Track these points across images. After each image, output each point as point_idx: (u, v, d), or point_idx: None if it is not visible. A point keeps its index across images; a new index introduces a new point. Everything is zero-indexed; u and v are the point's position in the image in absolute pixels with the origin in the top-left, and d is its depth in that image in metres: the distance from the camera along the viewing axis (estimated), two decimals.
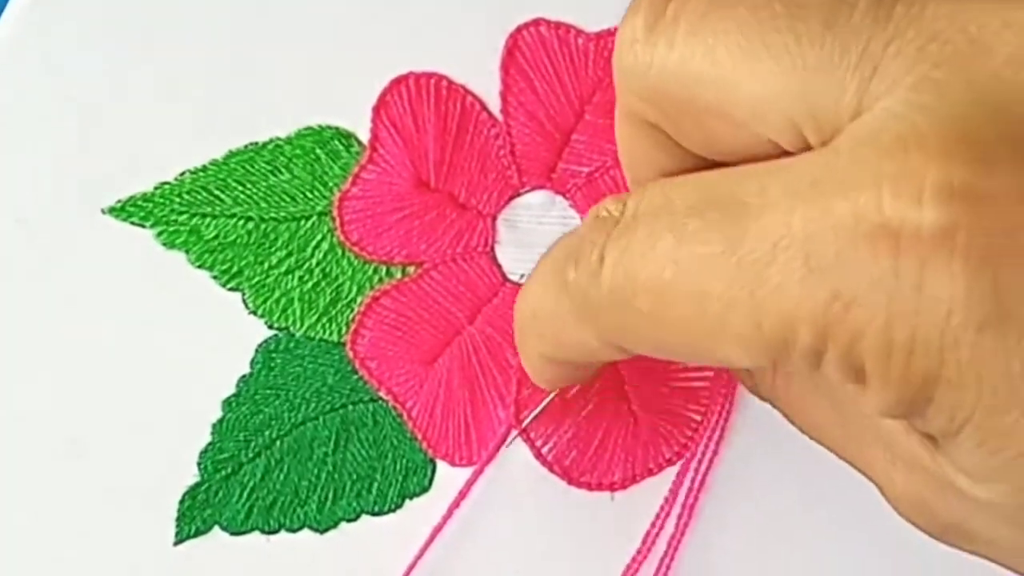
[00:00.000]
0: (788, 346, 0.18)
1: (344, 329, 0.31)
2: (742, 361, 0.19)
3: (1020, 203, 0.16)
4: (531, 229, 0.31)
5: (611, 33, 0.31)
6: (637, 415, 0.30)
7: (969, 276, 0.16)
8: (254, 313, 0.31)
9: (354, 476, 0.30)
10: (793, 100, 0.18)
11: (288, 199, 0.31)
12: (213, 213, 0.31)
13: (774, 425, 0.29)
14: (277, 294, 0.31)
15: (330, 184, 0.31)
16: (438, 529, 0.29)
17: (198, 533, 0.31)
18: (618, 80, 0.21)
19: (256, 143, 0.32)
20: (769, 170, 0.19)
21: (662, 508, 0.30)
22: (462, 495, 0.30)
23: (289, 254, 0.31)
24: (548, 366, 0.25)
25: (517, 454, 0.30)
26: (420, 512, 0.30)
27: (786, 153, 0.19)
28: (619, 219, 0.20)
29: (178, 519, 0.31)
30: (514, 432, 0.30)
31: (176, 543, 0.31)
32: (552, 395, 0.29)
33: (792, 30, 0.18)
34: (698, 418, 0.30)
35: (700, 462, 0.30)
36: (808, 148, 0.19)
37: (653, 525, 0.30)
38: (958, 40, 0.17)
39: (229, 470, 0.31)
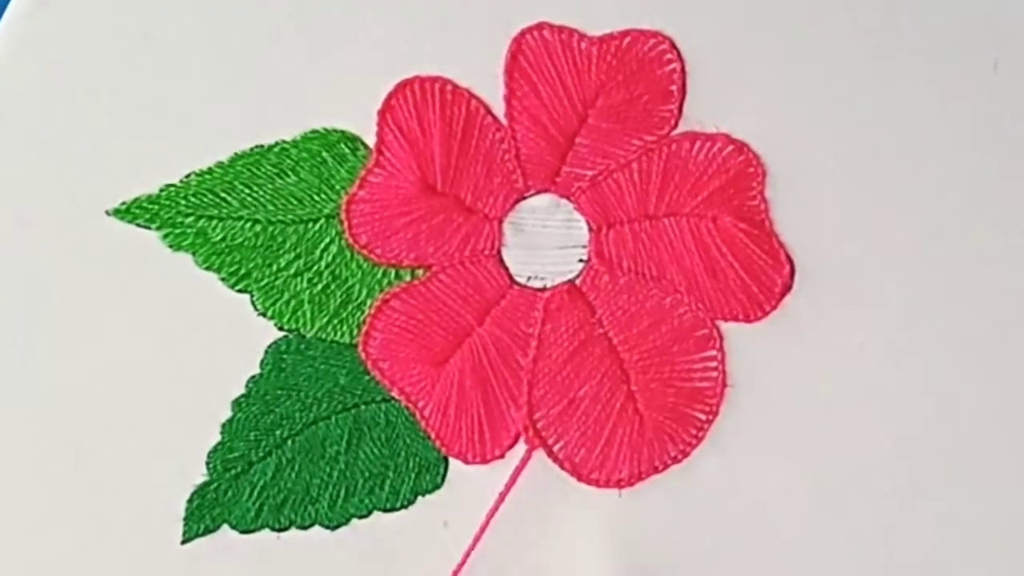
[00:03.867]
0: None
1: (355, 331, 0.31)
2: None
3: None
4: (537, 232, 0.32)
5: (614, 37, 0.32)
6: (643, 414, 0.31)
7: None
8: (263, 315, 0.31)
9: (366, 474, 0.31)
10: None
11: (295, 202, 0.32)
12: (219, 215, 0.32)
13: (772, 424, 0.31)
14: (287, 296, 0.31)
15: (337, 187, 0.32)
16: (472, 546, 0.30)
17: (206, 532, 0.31)
18: None
19: (262, 146, 0.32)
20: None
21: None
22: (490, 516, 0.30)
23: (297, 257, 0.32)
24: None
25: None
26: (432, 509, 0.31)
27: None
28: None
29: (186, 518, 0.31)
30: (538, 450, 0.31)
31: (184, 542, 0.31)
32: None
33: None
34: (702, 417, 0.31)
35: None
36: None
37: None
38: None
39: (239, 469, 0.31)
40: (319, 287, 0.31)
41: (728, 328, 0.31)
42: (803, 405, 0.31)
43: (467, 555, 0.30)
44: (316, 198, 0.32)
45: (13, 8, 0.32)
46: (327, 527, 0.31)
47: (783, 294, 0.31)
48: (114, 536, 0.31)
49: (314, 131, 0.32)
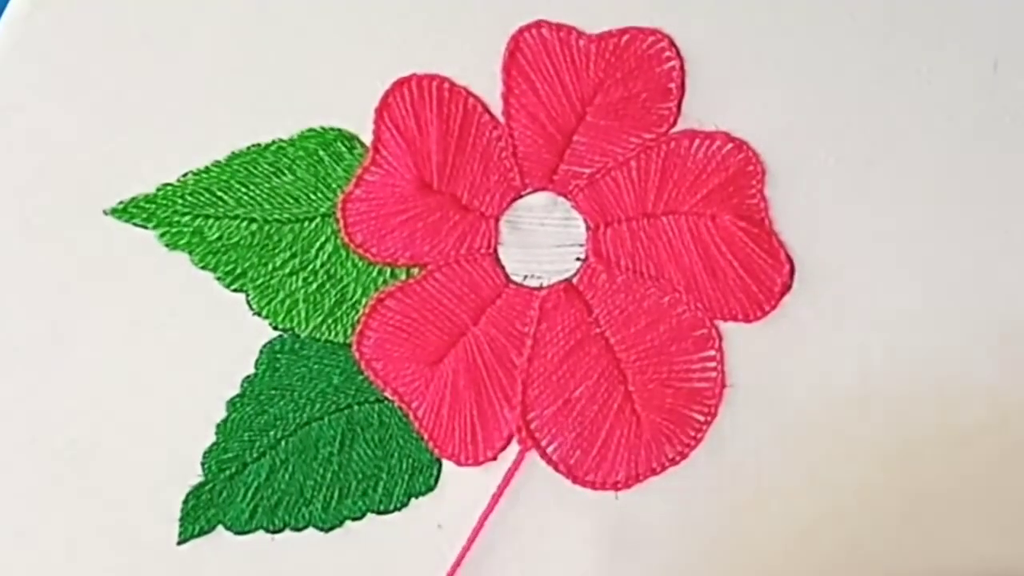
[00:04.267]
0: None
1: (349, 330, 0.31)
2: None
3: None
4: (534, 230, 0.31)
5: (612, 35, 0.32)
6: (640, 415, 0.31)
7: None
8: (258, 314, 0.31)
9: (360, 475, 0.31)
10: None
11: (291, 201, 0.32)
12: (216, 214, 0.32)
13: (772, 424, 0.30)
14: (281, 295, 0.31)
15: (333, 186, 0.32)
16: (466, 548, 0.30)
17: (202, 532, 0.31)
18: None
19: (259, 144, 0.32)
20: None
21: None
22: (483, 519, 0.30)
23: (293, 255, 0.31)
24: None
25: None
26: (425, 511, 0.31)
27: None
28: None
29: (182, 518, 0.31)
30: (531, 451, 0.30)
31: (180, 542, 0.31)
32: None
33: None
34: (700, 418, 0.30)
35: None
36: None
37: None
38: None
39: (233, 470, 0.31)
40: (314, 286, 0.31)
41: (727, 328, 0.31)
42: (802, 405, 0.30)
43: (460, 558, 0.30)
44: (312, 196, 0.32)
45: (12, 8, 0.32)
46: (321, 529, 0.31)
47: (782, 294, 0.31)
48: (110, 536, 0.31)
49: (311, 130, 0.32)
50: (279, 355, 0.31)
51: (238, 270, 0.31)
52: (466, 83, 0.32)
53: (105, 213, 0.32)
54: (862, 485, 0.30)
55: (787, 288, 0.31)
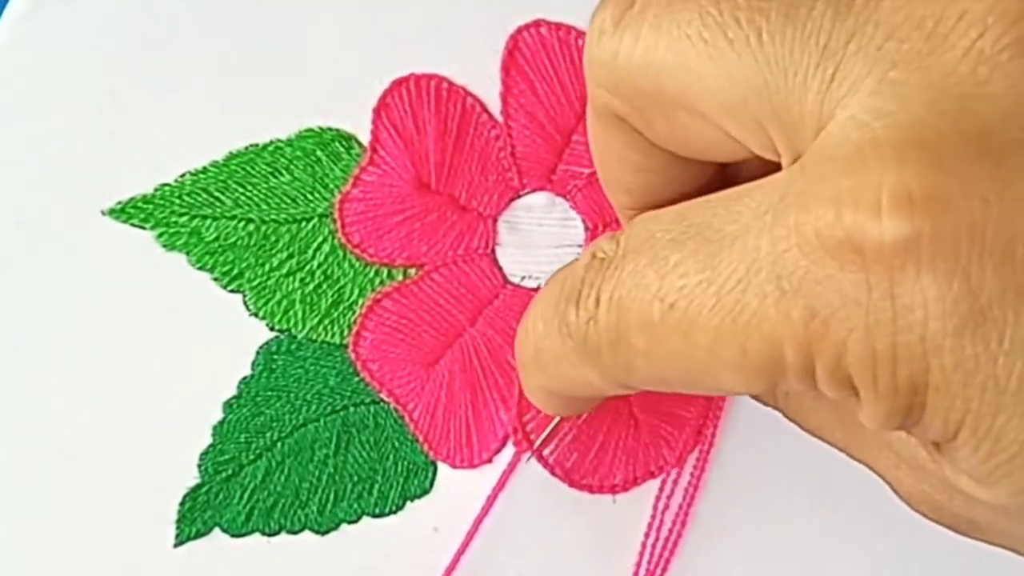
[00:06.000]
0: (779, 368, 0.18)
1: (346, 331, 0.31)
2: (740, 387, 0.19)
3: (981, 202, 0.16)
4: (532, 231, 0.31)
5: None
6: (638, 418, 0.30)
7: (939, 283, 0.16)
8: (255, 315, 0.31)
9: (355, 478, 0.30)
10: (757, 99, 0.18)
11: (289, 201, 0.31)
12: (213, 215, 0.31)
13: (769, 424, 0.30)
14: (278, 296, 0.31)
15: (331, 186, 0.31)
16: (462, 551, 0.30)
17: (198, 535, 0.31)
18: (588, 74, 0.21)
19: (256, 144, 0.32)
20: (741, 194, 0.18)
21: (654, 514, 0.30)
22: (478, 521, 0.30)
23: (290, 256, 0.31)
24: (552, 398, 0.25)
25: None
26: (421, 514, 0.30)
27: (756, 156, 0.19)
28: (612, 258, 0.20)
29: (178, 521, 0.31)
30: (527, 453, 0.30)
31: (176, 545, 0.30)
32: (558, 419, 0.29)
33: (753, 24, 0.18)
34: (699, 421, 0.30)
35: (693, 465, 0.30)
36: (774, 149, 0.19)
37: (648, 532, 0.30)
38: (915, 37, 0.17)
39: (230, 472, 0.31)
40: (311, 287, 0.31)
41: None
42: None
43: (455, 561, 0.29)
44: (310, 197, 0.31)
45: (11, 9, 0.32)
46: (317, 532, 0.30)
47: None
48: (107, 538, 0.30)
49: (308, 130, 0.32)
50: (275, 356, 0.31)
51: (235, 271, 0.31)
52: (464, 82, 0.31)
53: (103, 214, 0.31)
54: (862, 486, 0.30)
55: None
